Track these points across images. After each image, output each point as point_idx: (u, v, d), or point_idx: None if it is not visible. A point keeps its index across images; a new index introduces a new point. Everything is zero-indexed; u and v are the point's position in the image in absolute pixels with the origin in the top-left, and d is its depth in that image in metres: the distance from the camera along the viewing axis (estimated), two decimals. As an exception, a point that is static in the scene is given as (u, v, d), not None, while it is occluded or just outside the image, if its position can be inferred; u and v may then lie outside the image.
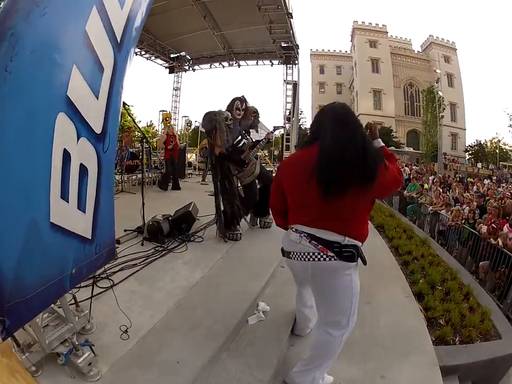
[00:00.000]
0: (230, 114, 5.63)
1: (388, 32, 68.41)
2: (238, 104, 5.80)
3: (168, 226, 5.73)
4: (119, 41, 2.29)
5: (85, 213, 2.22)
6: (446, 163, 46.04)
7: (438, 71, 44.35)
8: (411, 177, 20.93)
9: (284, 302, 4.13)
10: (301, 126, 19.97)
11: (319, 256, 2.41)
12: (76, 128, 1.99)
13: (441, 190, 15.90)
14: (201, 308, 3.64)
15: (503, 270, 8.15)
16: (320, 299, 2.71)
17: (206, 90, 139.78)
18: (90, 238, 2.33)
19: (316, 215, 2.42)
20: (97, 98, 2.17)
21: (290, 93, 21.43)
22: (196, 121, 25.62)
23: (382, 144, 2.84)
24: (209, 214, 6.93)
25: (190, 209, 6.23)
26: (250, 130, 6.35)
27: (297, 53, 21.01)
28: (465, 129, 68.70)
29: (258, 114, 6.40)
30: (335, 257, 2.39)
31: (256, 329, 3.59)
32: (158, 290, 3.91)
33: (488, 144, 67.02)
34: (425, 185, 17.55)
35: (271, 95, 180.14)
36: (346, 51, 77.08)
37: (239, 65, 22.62)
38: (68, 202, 2.02)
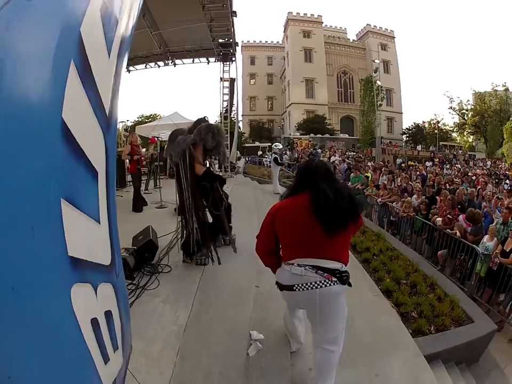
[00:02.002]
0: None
1: (322, 23, 69.54)
2: (202, 126, 5.78)
3: (134, 259, 5.44)
4: (107, 114, 1.69)
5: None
6: (384, 147, 47.44)
7: (376, 61, 45.18)
8: (351, 167, 21.79)
9: (271, 324, 4.39)
10: (232, 118, 20.28)
11: (325, 283, 2.89)
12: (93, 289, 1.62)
13: (386, 181, 16.47)
14: (205, 354, 3.66)
15: (463, 257, 8.87)
16: (320, 321, 3.10)
17: (142, 92, 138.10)
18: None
19: (317, 249, 2.94)
20: (99, 223, 1.71)
21: (227, 90, 21.72)
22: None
23: None
24: (165, 233, 6.79)
25: (151, 237, 5.88)
26: None
27: (235, 50, 21.22)
28: (401, 113, 71.53)
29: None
30: (337, 282, 2.91)
31: (259, 360, 3.76)
32: (152, 342, 3.76)
33: (427, 125, 70.16)
34: (368, 174, 18.13)
35: (207, 92, 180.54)
36: (278, 42, 77.96)
37: (174, 65, 22.49)
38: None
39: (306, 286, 2.92)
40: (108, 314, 1.84)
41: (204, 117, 6.20)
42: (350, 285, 3.05)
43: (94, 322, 1.61)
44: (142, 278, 5.15)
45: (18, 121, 0.97)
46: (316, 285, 2.89)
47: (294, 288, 2.99)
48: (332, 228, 2.84)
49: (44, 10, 1.07)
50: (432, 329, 5.44)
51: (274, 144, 16.97)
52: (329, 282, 2.89)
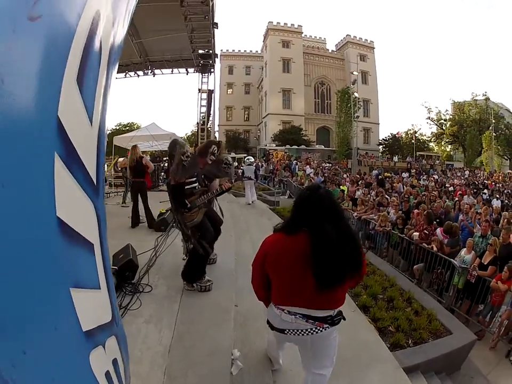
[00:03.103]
0: (188, 152, 5.52)
1: (302, 33, 70.13)
2: (214, 149, 5.71)
3: (115, 279, 5.31)
4: (95, 182, 1.75)
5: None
6: (360, 159, 47.71)
7: (355, 72, 45.45)
8: (326, 180, 22.02)
9: (252, 343, 4.52)
10: (209, 128, 20.78)
11: (316, 330, 2.86)
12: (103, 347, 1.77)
13: (362, 195, 16.59)
14: (191, 374, 3.72)
15: (440, 270, 9.12)
16: (312, 355, 3.16)
17: (120, 100, 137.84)
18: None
19: (309, 299, 2.78)
20: (100, 288, 1.82)
21: (204, 102, 21.90)
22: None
23: None
24: (144, 251, 6.66)
25: (131, 256, 5.84)
26: None
27: (215, 62, 21.56)
28: (378, 124, 72.42)
29: (229, 165, 6.40)
30: (329, 326, 2.89)
31: (242, 378, 3.87)
32: (139, 363, 3.79)
33: (404, 135, 71.14)
34: (344, 188, 18.36)
35: (184, 103, 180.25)
36: (257, 51, 78.43)
37: (154, 74, 22.73)
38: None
39: (298, 332, 2.91)
40: (114, 362, 1.96)
41: (220, 141, 6.32)
42: (344, 318, 3.02)
43: (107, 375, 1.75)
44: (124, 297, 5.17)
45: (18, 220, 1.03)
46: (307, 332, 2.88)
47: (285, 332, 2.98)
48: (328, 284, 2.68)
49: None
50: (410, 342, 5.64)
51: (247, 158, 17.45)
52: (321, 329, 2.87)
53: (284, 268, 2.82)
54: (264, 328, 3.54)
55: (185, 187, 5.40)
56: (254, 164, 17.35)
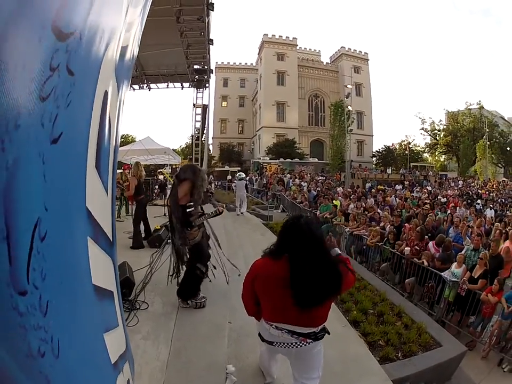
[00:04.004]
0: (207, 178, 5.73)
1: (297, 45, 70.55)
2: (211, 178, 5.98)
3: None
4: (111, 238, 2.19)
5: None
6: (353, 172, 47.64)
7: (349, 86, 45.48)
8: (319, 194, 22.05)
9: (245, 358, 4.70)
10: (203, 141, 21.26)
11: (301, 344, 3.14)
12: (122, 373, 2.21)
13: (354, 210, 16.54)
14: None
15: (431, 284, 9.28)
16: (298, 365, 3.43)
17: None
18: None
19: (294, 317, 3.06)
20: (118, 325, 2.29)
21: (199, 117, 22.16)
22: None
23: (339, 252, 3.48)
24: (140, 267, 6.68)
25: (128, 274, 6.04)
26: None
27: (209, 77, 21.83)
28: (372, 136, 72.91)
29: (212, 194, 6.52)
30: (313, 341, 3.16)
31: None
32: (139, 377, 3.74)
33: (397, 147, 71.55)
34: (337, 202, 18.31)
35: (179, 117, 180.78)
36: (252, 63, 78.78)
37: (149, 88, 22.93)
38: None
39: (284, 345, 3.20)
40: (128, 383, 2.35)
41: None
42: (328, 333, 3.29)
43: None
44: (121, 315, 5.33)
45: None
46: (292, 345, 3.16)
47: (274, 344, 3.27)
48: (307, 306, 2.95)
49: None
50: (399, 355, 5.80)
51: (238, 174, 18.35)
52: (304, 343, 3.14)
53: (270, 289, 3.13)
54: (257, 344, 3.71)
55: (187, 209, 5.56)
56: (246, 178, 17.88)
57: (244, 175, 18.82)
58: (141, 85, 22.70)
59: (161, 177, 24.07)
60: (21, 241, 1.04)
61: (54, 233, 1.21)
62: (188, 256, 5.77)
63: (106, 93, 1.75)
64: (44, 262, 1.14)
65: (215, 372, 4.21)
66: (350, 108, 47.01)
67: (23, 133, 1.02)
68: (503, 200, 28.40)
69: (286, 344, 3.20)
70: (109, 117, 1.87)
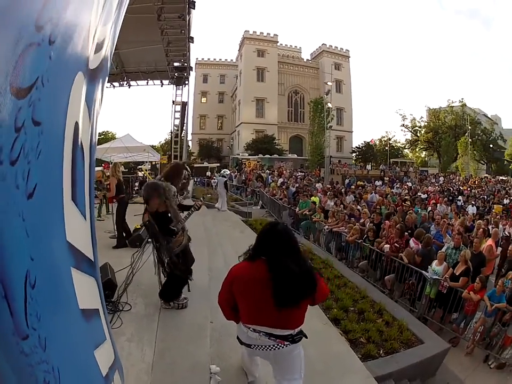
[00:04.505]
0: (175, 188, 5.59)
1: (278, 42, 70.92)
2: (186, 173, 5.93)
3: None
4: (93, 259, 2.29)
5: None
6: (333, 168, 47.73)
7: (329, 83, 45.31)
8: (299, 190, 22.07)
9: (228, 357, 4.75)
10: (182, 137, 21.34)
11: (278, 346, 3.23)
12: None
13: (333, 207, 16.50)
14: None
15: (412, 282, 9.32)
16: (279, 368, 3.52)
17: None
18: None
19: (271, 319, 3.17)
20: (106, 339, 2.40)
21: (178, 114, 22.14)
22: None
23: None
24: (121, 268, 6.59)
25: (110, 275, 6.04)
26: None
27: (189, 74, 21.79)
28: (351, 132, 73.64)
29: (190, 176, 6.53)
30: (290, 344, 3.25)
31: None
32: (126, 380, 3.42)
33: (377, 143, 72.07)
34: (315, 199, 18.42)
35: (158, 114, 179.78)
36: (232, 60, 79.10)
37: (129, 86, 22.84)
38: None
39: (262, 347, 3.30)
40: None
41: (184, 162, 6.26)
42: (306, 336, 3.37)
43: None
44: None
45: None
46: (270, 347, 3.25)
47: (252, 347, 3.38)
48: (285, 305, 3.06)
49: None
50: (381, 352, 5.85)
51: (223, 170, 18.77)
52: (281, 346, 3.24)
53: (248, 292, 3.25)
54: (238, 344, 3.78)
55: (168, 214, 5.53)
56: (227, 175, 18.16)
57: (228, 172, 18.93)
58: (121, 82, 22.62)
59: (140, 174, 23.97)
60: (17, 295, 1.19)
61: (41, 277, 1.33)
62: (171, 260, 5.69)
63: (77, 124, 1.77)
64: (37, 306, 1.28)
65: (199, 372, 4.23)
66: (329, 105, 46.98)
67: (0, 201, 1.13)
68: (485, 196, 28.69)
69: (264, 346, 3.29)
70: (81, 144, 1.92)
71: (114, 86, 22.84)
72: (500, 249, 11.56)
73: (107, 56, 2.46)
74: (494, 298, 7.72)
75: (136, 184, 20.64)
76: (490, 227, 13.04)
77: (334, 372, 4.91)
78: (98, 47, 2.16)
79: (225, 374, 4.35)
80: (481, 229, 12.14)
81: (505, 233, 14.21)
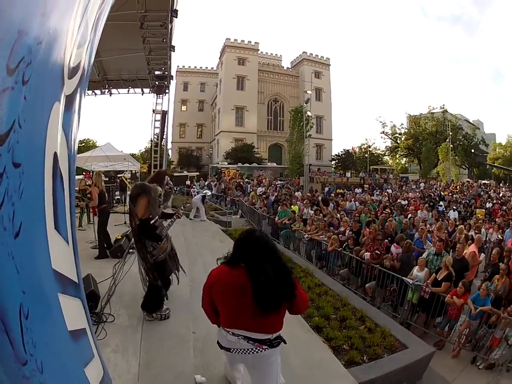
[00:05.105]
0: (161, 189, 5.75)
1: (258, 50, 71.36)
2: (168, 179, 5.98)
3: None
4: (77, 281, 2.40)
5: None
6: (312, 176, 47.99)
7: (308, 91, 45.19)
8: (279, 199, 22.06)
9: (212, 367, 4.76)
10: (162, 146, 21.72)
11: (256, 350, 3.30)
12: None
13: (312, 215, 16.44)
14: None
15: (393, 288, 9.38)
16: (256, 374, 3.58)
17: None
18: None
19: (250, 323, 3.25)
20: (94, 355, 2.49)
21: (158, 123, 22.19)
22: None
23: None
24: (103, 279, 6.66)
25: (92, 287, 6.00)
26: None
27: (170, 83, 21.80)
28: (331, 140, 74.15)
29: (171, 188, 6.59)
30: (268, 348, 3.32)
31: None
32: None
33: (357, 150, 72.61)
34: (295, 208, 18.50)
35: (138, 122, 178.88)
36: (212, 68, 79.46)
37: (110, 94, 22.74)
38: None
39: (241, 351, 3.35)
40: None
41: (165, 170, 6.34)
42: (284, 342, 3.46)
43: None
44: (89, 327, 5.31)
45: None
46: (248, 351, 3.32)
47: (231, 350, 3.44)
48: (265, 309, 3.13)
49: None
50: (365, 359, 5.87)
51: (205, 191, 19.52)
52: (260, 349, 3.30)
53: (227, 296, 3.35)
54: (222, 353, 3.78)
55: (151, 222, 5.59)
56: (207, 195, 19.24)
57: (210, 193, 19.38)
58: (103, 90, 22.56)
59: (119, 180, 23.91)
60: (14, 327, 1.30)
61: (33, 308, 1.44)
62: (150, 270, 5.75)
63: (55, 154, 1.87)
64: (32, 333, 1.40)
65: (185, 382, 4.32)
66: (309, 113, 47.08)
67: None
68: (467, 201, 28.97)
69: (242, 350, 3.35)
70: (60, 172, 1.99)
71: (96, 94, 22.76)
72: (483, 255, 11.67)
73: (84, 75, 2.50)
74: (478, 301, 7.83)
75: (117, 193, 20.63)
76: (472, 232, 13.17)
77: (318, 378, 4.95)
78: (74, 71, 2.21)
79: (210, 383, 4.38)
80: (463, 234, 12.34)
81: (488, 238, 14.69)
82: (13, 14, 1.29)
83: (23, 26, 1.35)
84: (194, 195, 21.35)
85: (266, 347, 3.32)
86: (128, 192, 14.18)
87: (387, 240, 11.18)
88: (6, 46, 1.25)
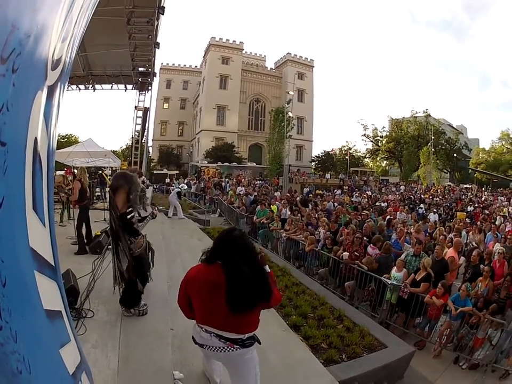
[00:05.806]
0: (140, 182, 5.73)
1: (243, 49, 71.50)
2: (144, 179, 5.92)
3: None
4: (53, 264, 2.45)
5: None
6: (291, 176, 47.65)
7: (291, 92, 44.91)
8: (257, 199, 22.08)
9: (190, 363, 4.77)
10: (143, 143, 21.79)
11: (228, 349, 3.31)
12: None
13: (290, 215, 16.81)
14: None
15: (371, 288, 9.45)
16: (233, 373, 3.64)
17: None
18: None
19: (222, 321, 3.26)
20: (70, 340, 2.52)
21: (140, 120, 22.16)
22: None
23: (269, 270, 3.66)
24: (83, 274, 6.57)
25: (72, 282, 5.96)
26: None
27: (153, 80, 22.02)
28: (312, 141, 74.52)
29: (145, 192, 6.55)
30: (240, 348, 3.33)
31: None
32: None
33: (337, 152, 72.97)
34: (274, 208, 18.58)
35: (120, 118, 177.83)
36: (196, 66, 79.71)
37: (94, 89, 22.79)
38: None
39: (213, 348, 3.38)
40: None
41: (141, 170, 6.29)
42: (259, 342, 3.49)
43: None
44: (69, 323, 5.28)
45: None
46: (220, 349, 3.34)
47: (204, 347, 3.47)
48: (236, 309, 3.15)
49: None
50: (344, 357, 5.89)
51: (182, 185, 19.82)
52: (231, 348, 3.31)
53: (201, 293, 3.38)
54: (199, 350, 3.85)
55: (129, 216, 5.54)
56: (183, 188, 19.34)
57: (186, 187, 19.37)
58: (87, 85, 22.69)
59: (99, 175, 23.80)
60: None
61: (10, 278, 1.49)
62: (128, 266, 5.65)
63: (36, 139, 1.93)
64: (8, 301, 1.45)
65: (163, 378, 4.34)
66: (290, 114, 47.03)
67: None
68: (448, 204, 29.26)
69: (214, 347, 3.38)
70: (39, 156, 2.06)
71: (80, 89, 22.88)
72: (462, 258, 11.69)
73: (65, 68, 2.56)
74: (459, 302, 7.90)
75: (97, 189, 20.53)
76: (453, 235, 13.27)
77: (297, 376, 4.95)
78: (57, 63, 2.29)
79: (189, 380, 4.41)
80: (442, 236, 12.49)
81: (469, 241, 14.79)
82: (8, 11, 1.39)
83: (16, 21, 1.46)
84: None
85: (238, 347, 3.34)
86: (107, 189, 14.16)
87: (366, 238, 11.31)
88: (1, 38, 1.35)
